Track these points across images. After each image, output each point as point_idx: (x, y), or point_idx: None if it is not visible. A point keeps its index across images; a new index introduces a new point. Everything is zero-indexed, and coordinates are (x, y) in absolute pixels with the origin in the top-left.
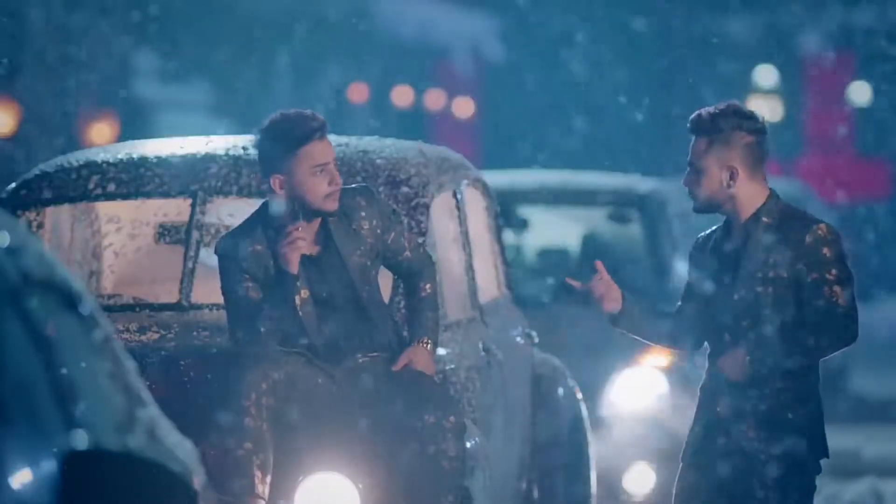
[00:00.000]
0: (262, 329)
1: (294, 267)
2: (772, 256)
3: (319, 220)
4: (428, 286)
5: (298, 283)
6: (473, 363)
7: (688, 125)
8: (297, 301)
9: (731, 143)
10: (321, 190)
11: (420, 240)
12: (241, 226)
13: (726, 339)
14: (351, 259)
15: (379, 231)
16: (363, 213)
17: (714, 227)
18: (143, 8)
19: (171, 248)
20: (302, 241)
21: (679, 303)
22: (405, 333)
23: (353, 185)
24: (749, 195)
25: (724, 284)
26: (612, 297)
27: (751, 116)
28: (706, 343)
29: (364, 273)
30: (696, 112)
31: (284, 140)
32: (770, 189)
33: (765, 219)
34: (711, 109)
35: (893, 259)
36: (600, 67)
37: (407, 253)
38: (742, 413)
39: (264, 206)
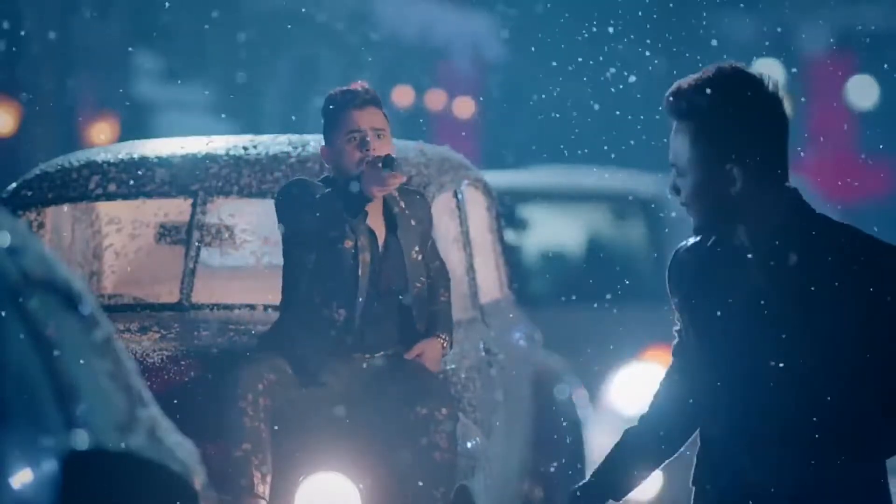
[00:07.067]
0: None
1: (369, 193)
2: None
3: (382, 206)
4: (447, 294)
5: (361, 249)
6: (474, 363)
7: None
8: (360, 269)
9: None
10: (354, 157)
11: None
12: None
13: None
14: (410, 253)
15: (428, 231)
16: (421, 214)
17: (696, 238)
18: (143, 8)
19: (171, 249)
20: (391, 189)
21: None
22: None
23: (413, 187)
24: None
25: (743, 321)
26: None
27: None
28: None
29: (418, 269)
30: None
31: (327, 109)
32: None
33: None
34: None
35: None
36: (599, 66)
37: (437, 262)
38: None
39: (327, 177)
